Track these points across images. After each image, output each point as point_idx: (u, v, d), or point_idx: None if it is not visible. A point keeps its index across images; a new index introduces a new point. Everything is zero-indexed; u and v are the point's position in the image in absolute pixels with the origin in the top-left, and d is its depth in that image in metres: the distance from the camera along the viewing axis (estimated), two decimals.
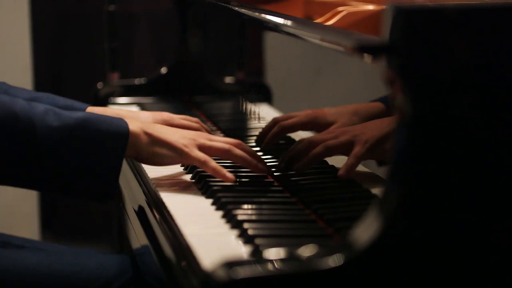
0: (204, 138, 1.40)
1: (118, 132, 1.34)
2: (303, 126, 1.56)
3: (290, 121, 1.55)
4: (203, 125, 1.61)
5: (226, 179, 1.36)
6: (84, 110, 1.64)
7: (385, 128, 1.31)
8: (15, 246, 1.53)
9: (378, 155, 1.34)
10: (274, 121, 1.58)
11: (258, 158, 1.42)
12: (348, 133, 1.36)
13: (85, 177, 1.32)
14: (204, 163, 1.37)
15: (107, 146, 1.33)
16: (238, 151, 1.39)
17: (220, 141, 1.41)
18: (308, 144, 1.40)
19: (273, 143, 1.58)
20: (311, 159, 1.38)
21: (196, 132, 1.44)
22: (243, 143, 1.42)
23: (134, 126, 1.37)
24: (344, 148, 1.36)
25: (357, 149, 1.33)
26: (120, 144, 1.34)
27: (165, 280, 1.11)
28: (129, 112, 1.68)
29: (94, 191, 1.33)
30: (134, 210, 1.41)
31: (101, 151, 1.33)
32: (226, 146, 1.39)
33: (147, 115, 1.63)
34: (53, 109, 1.33)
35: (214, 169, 1.36)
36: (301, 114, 1.54)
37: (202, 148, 1.38)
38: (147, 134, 1.37)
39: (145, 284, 1.44)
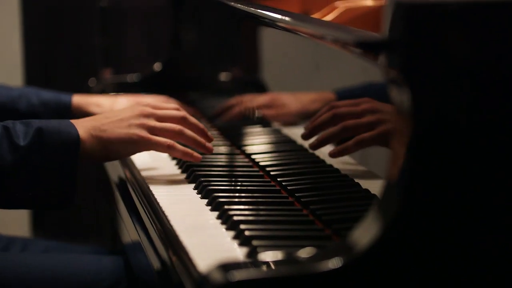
0: (151, 118, 1.35)
1: (68, 144, 1.27)
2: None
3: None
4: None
5: (195, 159, 1.36)
6: (70, 99, 1.74)
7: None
8: (17, 249, 1.51)
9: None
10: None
11: (206, 134, 1.39)
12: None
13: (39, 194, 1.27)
14: (170, 148, 1.34)
15: (58, 161, 1.27)
16: (189, 133, 1.36)
17: (168, 117, 1.36)
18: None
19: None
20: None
21: (141, 110, 1.36)
22: (188, 116, 1.38)
23: (82, 131, 1.30)
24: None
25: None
26: (71, 157, 1.27)
27: (160, 283, 1.09)
28: (108, 99, 1.75)
29: (51, 202, 1.29)
30: (127, 210, 1.37)
31: (53, 168, 1.27)
32: (177, 127, 1.36)
33: (124, 100, 1.67)
34: (7, 134, 1.26)
35: (183, 152, 1.35)
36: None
37: (153, 131, 1.34)
38: (94, 137, 1.31)
39: None
